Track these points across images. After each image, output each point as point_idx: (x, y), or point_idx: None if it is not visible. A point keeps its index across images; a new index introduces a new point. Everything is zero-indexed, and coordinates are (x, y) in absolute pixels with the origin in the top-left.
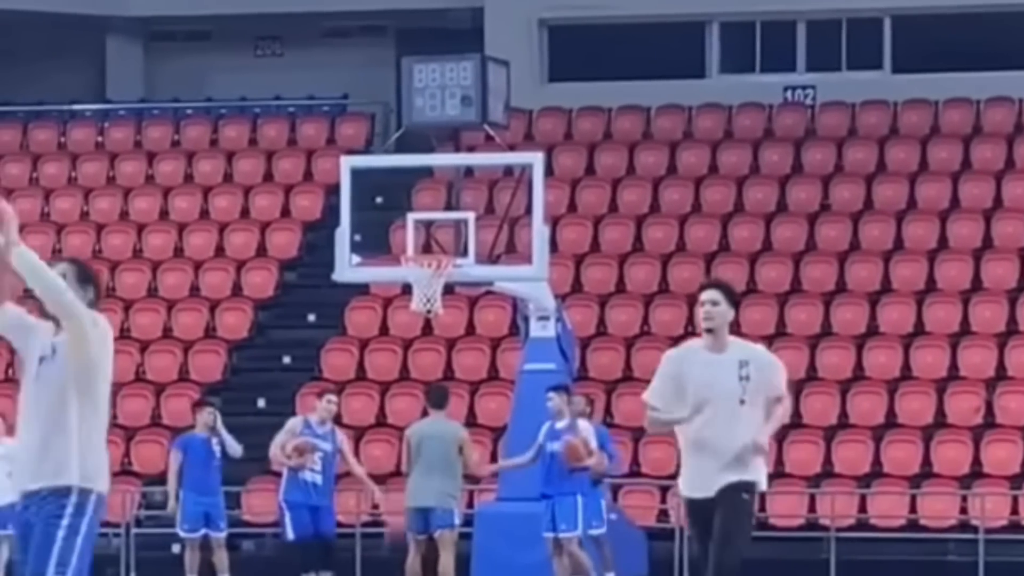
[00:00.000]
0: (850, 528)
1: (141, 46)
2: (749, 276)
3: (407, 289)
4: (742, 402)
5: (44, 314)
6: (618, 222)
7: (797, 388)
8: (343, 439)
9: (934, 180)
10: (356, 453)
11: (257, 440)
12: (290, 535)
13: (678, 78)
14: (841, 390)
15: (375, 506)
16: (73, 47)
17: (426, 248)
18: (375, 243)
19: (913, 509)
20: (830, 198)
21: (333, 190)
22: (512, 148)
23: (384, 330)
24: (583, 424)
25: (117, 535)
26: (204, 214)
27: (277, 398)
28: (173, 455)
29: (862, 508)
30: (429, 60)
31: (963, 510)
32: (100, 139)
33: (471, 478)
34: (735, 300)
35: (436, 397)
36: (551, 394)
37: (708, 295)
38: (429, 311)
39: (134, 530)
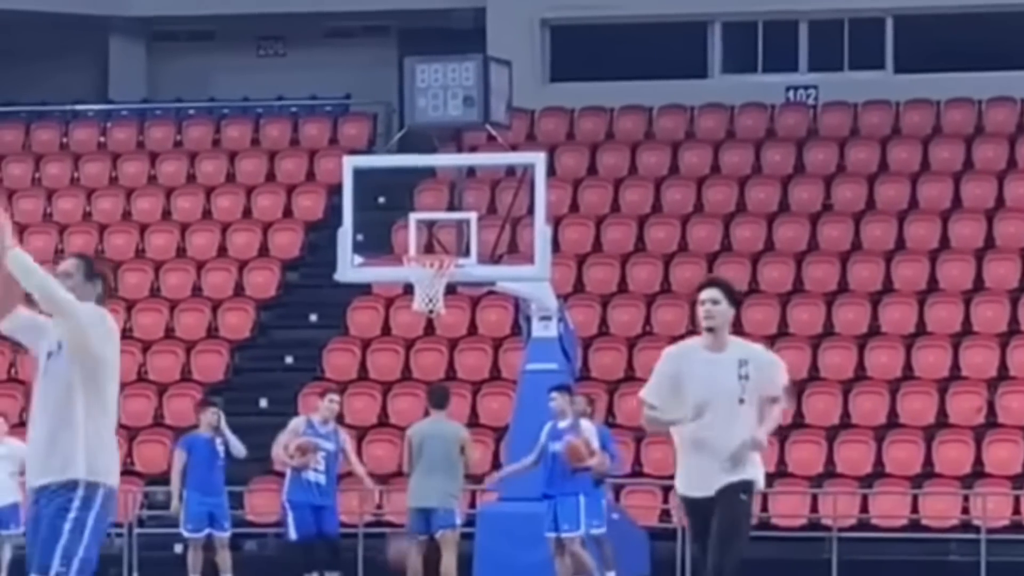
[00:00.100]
0: (852, 528)
1: (144, 46)
2: (751, 276)
3: (409, 289)
4: (741, 401)
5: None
6: (620, 222)
7: (799, 388)
8: (346, 438)
9: (936, 180)
10: (358, 453)
11: (259, 440)
12: (293, 535)
13: (680, 78)
14: (843, 390)
15: (378, 506)
16: (76, 47)
17: (428, 248)
18: (377, 243)
19: (915, 509)
20: (832, 198)
21: (335, 190)
22: (514, 148)
23: (386, 330)
24: (585, 424)
25: (119, 535)
26: (206, 214)
27: (279, 398)
28: (177, 455)
29: (864, 508)
30: (431, 60)
31: (965, 510)
32: (103, 139)
33: (473, 478)
34: (736, 298)
35: (437, 397)
36: (554, 394)
37: (708, 294)
38: (431, 311)
39: (136, 530)
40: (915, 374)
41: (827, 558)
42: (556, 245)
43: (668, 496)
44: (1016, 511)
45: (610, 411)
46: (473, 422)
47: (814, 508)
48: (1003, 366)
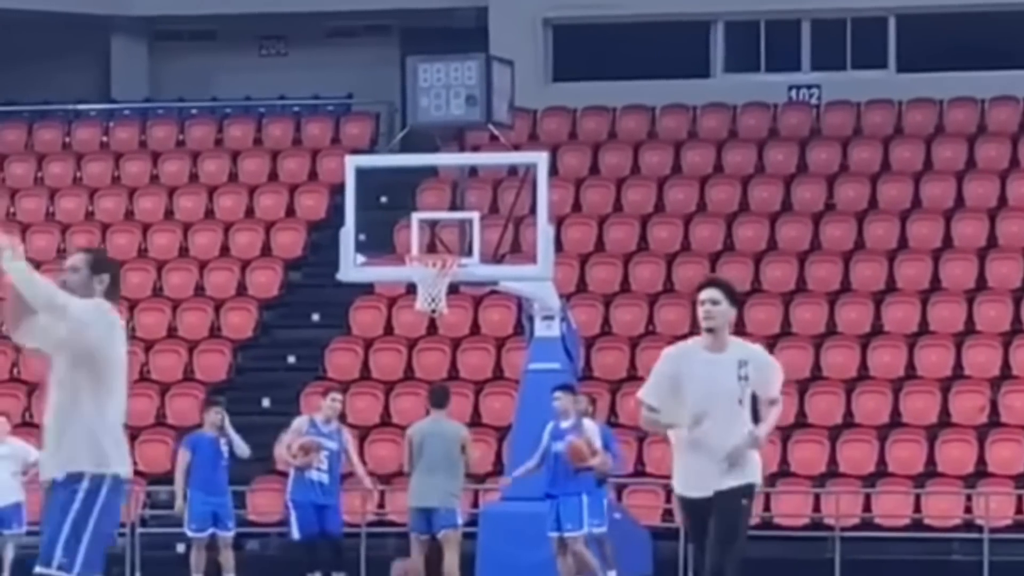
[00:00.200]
0: (855, 527)
1: (146, 46)
2: (754, 276)
3: (412, 289)
4: (740, 402)
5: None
6: (623, 222)
7: (802, 387)
8: (348, 438)
9: (939, 179)
10: (360, 453)
11: (262, 440)
12: (296, 534)
13: (683, 78)
14: (846, 390)
15: (380, 506)
16: (78, 47)
17: (431, 248)
18: (380, 243)
19: (918, 508)
20: (835, 197)
21: (338, 190)
22: (516, 148)
23: (389, 329)
24: (588, 424)
25: (122, 534)
26: (209, 214)
27: (282, 397)
28: (181, 454)
29: (867, 507)
30: (434, 60)
31: (968, 509)
32: (105, 139)
33: (474, 477)
34: (736, 298)
35: (437, 396)
36: (558, 393)
37: (708, 294)
38: (434, 311)
39: (139, 530)
40: (918, 373)
41: (830, 557)
42: (558, 245)
43: (670, 496)
44: (1019, 511)
45: (612, 411)
46: (475, 422)
47: (817, 507)
48: (1006, 365)
